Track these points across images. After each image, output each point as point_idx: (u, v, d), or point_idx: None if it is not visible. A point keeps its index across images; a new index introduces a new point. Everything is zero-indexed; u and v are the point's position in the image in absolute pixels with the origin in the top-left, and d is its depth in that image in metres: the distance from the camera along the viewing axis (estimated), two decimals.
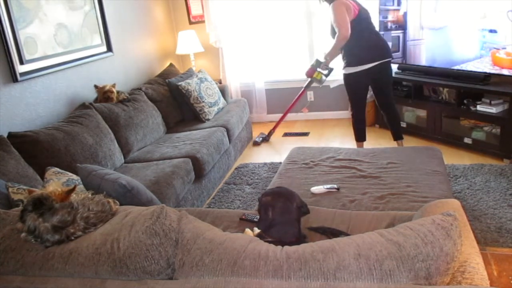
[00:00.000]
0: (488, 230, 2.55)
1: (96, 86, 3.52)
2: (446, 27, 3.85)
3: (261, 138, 4.69)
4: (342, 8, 3.30)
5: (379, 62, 3.43)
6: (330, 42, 3.58)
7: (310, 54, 5.07)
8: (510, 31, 3.35)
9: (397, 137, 3.73)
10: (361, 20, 3.38)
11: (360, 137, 3.78)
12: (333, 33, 3.47)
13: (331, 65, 3.75)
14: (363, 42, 3.41)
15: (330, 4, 3.38)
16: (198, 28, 5.07)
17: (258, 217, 1.80)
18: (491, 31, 3.53)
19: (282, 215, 1.58)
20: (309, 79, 3.96)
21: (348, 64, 3.48)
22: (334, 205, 2.18)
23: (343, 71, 3.55)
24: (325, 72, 3.82)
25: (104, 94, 3.47)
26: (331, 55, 3.61)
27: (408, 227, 1.10)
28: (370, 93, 3.75)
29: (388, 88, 3.66)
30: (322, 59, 3.75)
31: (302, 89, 4.36)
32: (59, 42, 3.22)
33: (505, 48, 3.46)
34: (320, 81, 3.89)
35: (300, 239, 1.56)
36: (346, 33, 3.32)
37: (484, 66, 3.62)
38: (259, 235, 1.54)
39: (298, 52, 5.16)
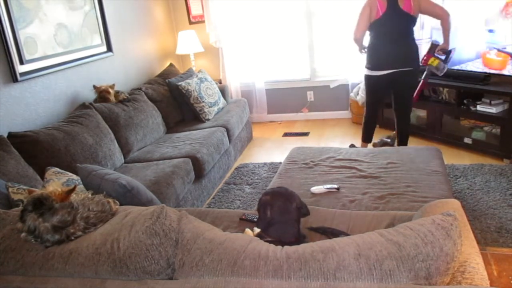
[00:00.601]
0: (488, 230, 2.55)
1: (94, 87, 3.52)
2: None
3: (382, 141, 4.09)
4: (366, 8, 3.26)
5: (395, 70, 3.28)
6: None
7: (310, 54, 5.07)
8: (510, 31, 3.35)
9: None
10: (385, 22, 3.22)
11: (366, 138, 3.78)
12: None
13: (451, 46, 3.22)
14: (382, 46, 3.31)
15: None
16: (198, 28, 5.07)
17: (257, 216, 1.80)
18: (490, 31, 3.54)
19: (281, 214, 1.58)
20: (426, 68, 3.40)
21: (366, 65, 3.47)
22: (334, 205, 2.18)
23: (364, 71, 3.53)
24: (443, 56, 3.24)
25: (100, 94, 3.47)
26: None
27: (408, 227, 1.09)
28: None
29: (401, 98, 3.49)
30: (438, 41, 3.26)
31: (421, 81, 3.48)
32: (59, 42, 3.22)
33: (494, 49, 3.45)
34: (438, 68, 3.29)
35: (299, 239, 1.56)
36: (355, 35, 3.39)
37: (484, 66, 3.62)
38: (259, 235, 1.54)
39: (298, 52, 5.16)
